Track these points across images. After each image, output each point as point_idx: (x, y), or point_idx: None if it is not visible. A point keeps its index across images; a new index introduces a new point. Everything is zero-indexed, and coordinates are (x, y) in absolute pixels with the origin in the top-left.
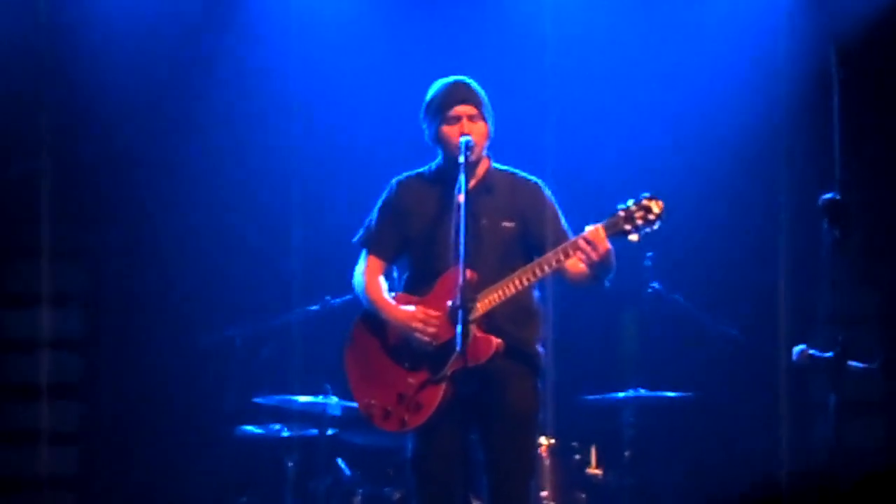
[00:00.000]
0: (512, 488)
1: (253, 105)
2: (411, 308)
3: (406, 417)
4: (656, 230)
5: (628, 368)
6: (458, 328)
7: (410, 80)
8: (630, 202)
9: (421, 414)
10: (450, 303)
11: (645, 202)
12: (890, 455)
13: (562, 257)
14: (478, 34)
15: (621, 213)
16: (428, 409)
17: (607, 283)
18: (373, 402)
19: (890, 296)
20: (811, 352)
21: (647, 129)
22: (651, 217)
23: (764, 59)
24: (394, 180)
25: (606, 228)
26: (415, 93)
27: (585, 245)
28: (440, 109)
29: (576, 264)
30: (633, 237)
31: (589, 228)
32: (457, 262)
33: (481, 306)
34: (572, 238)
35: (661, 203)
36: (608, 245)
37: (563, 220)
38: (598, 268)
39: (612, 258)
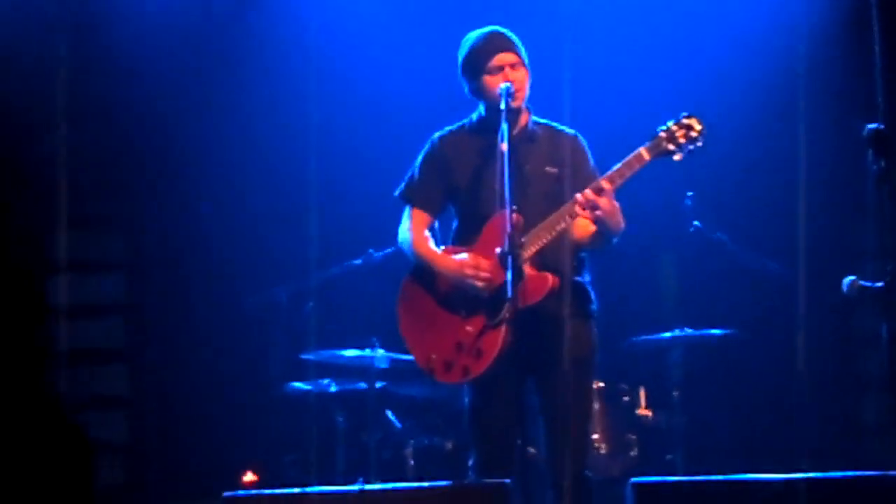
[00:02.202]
0: (572, 431)
1: (288, 65)
2: (462, 256)
3: (468, 365)
4: (699, 150)
5: (674, 309)
6: (508, 274)
7: (432, 34)
8: (670, 122)
9: (483, 360)
10: (498, 249)
11: (685, 121)
12: None
13: (607, 185)
14: None
15: (663, 135)
16: (490, 355)
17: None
18: (433, 356)
19: None
20: (861, 282)
21: (680, 65)
22: (693, 134)
23: None
24: (435, 135)
25: (650, 150)
26: (439, 46)
27: (594, 195)
28: (481, 61)
29: (585, 226)
30: (677, 157)
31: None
32: (503, 208)
33: (532, 246)
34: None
35: (701, 121)
36: (615, 204)
37: (597, 172)
38: (605, 223)
39: (620, 216)
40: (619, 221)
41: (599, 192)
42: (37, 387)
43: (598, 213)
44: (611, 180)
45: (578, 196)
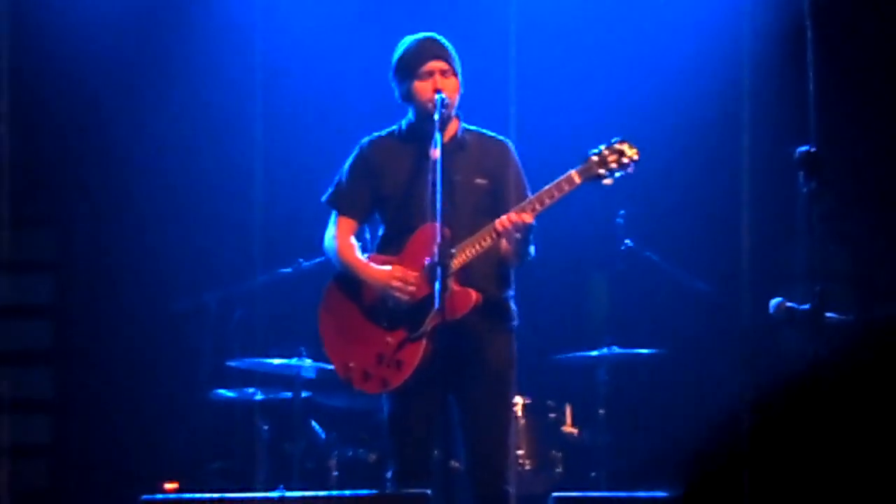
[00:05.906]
0: (491, 445)
1: (222, 69)
2: (387, 267)
3: (387, 377)
4: (630, 174)
5: (602, 326)
6: (437, 284)
7: (377, 39)
8: (602, 147)
9: (402, 372)
10: (427, 259)
11: (617, 146)
12: None
13: (537, 206)
14: None
15: (594, 158)
16: (409, 367)
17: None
18: (351, 364)
19: (858, 253)
20: (788, 304)
21: (617, 83)
22: (625, 160)
23: (735, 11)
24: (364, 140)
25: (581, 173)
26: (382, 52)
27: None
28: (413, 66)
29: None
30: (608, 181)
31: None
32: (432, 219)
33: (458, 261)
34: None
35: (633, 146)
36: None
37: (525, 181)
38: (520, 244)
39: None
40: (530, 244)
41: (521, 215)
42: None
43: (516, 236)
44: (540, 201)
45: (499, 221)
